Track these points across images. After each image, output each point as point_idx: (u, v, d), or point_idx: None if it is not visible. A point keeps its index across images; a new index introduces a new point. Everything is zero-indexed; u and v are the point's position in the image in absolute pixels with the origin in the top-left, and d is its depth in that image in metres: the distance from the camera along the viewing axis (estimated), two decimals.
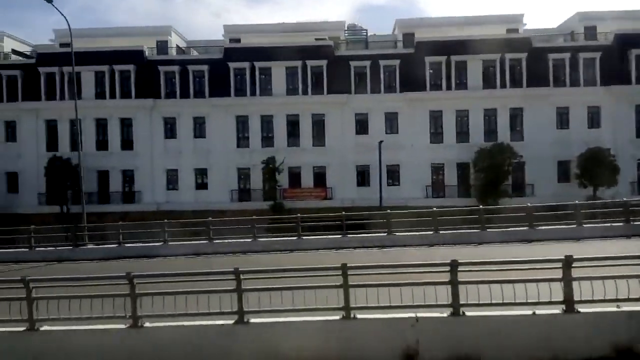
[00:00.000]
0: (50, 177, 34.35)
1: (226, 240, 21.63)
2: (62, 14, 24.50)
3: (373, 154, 34.68)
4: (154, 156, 36.41)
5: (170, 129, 36.78)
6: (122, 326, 8.86)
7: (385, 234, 20.80)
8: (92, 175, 36.27)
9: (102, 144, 36.68)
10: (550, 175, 34.72)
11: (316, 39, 38.80)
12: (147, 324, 8.87)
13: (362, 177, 35.87)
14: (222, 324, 8.79)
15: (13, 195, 36.44)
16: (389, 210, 21.49)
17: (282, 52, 35.76)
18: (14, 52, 41.99)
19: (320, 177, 36.05)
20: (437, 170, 35.39)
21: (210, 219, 22.30)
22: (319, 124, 36.14)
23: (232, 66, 35.85)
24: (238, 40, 39.83)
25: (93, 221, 33.37)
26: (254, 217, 22.04)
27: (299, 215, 21.66)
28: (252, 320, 8.82)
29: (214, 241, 21.42)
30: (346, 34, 41.32)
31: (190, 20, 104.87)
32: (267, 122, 36.31)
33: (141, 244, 21.65)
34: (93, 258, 21.07)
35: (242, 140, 36.45)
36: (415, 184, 35.04)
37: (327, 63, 35.54)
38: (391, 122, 35.71)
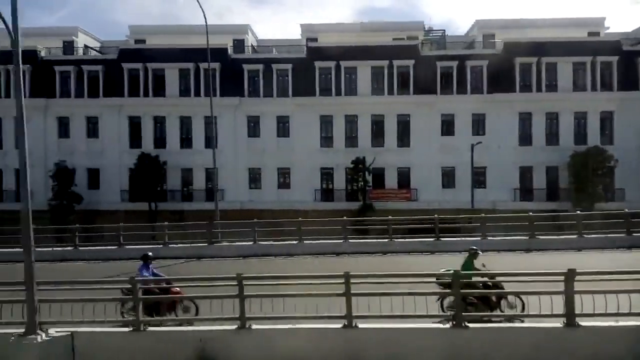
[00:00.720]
0: (139, 174, 34.29)
1: (362, 240, 21.50)
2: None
3: (459, 155, 34.58)
4: (237, 155, 36.29)
5: (253, 127, 36.67)
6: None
7: (528, 237, 20.48)
8: (176, 173, 36.33)
9: (186, 141, 36.60)
10: None
11: (394, 39, 38.66)
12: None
13: (447, 178, 35.56)
14: None
15: (94, 191, 36.36)
16: (524, 214, 21.15)
17: (368, 51, 35.61)
18: (86, 47, 42.08)
19: (404, 178, 35.78)
20: (525, 172, 34.99)
21: (344, 218, 22.06)
22: (404, 124, 35.87)
23: (317, 65, 35.71)
24: (315, 39, 39.61)
25: (176, 219, 33.55)
26: (389, 217, 21.82)
27: (436, 216, 21.36)
28: None
29: (349, 240, 21.24)
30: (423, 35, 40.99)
31: (194, 21, 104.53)
32: (351, 122, 36.12)
33: (277, 243, 21.47)
34: (228, 256, 20.95)
35: (326, 140, 36.26)
36: (502, 186, 34.68)
37: (414, 63, 35.31)
38: (478, 123, 35.39)
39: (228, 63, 36.51)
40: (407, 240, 21.33)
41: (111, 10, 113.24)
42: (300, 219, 22.43)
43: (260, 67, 36.27)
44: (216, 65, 36.12)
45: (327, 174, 36.24)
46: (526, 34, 36.88)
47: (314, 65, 35.95)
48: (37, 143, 36.53)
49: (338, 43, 36.49)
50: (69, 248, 22.67)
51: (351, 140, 36.08)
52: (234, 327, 8.98)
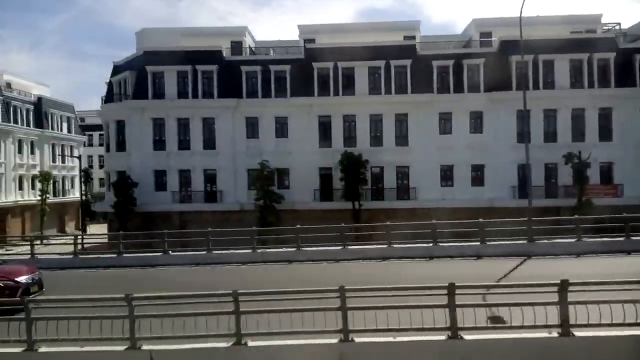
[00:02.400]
0: (343, 172, 33.86)
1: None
2: None
3: None
4: (428, 152, 35.68)
5: (444, 124, 36.09)
6: None
7: None
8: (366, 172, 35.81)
9: (375, 139, 36.15)
10: None
11: (571, 32, 37.94)
12: None
13: None
14: None
15: (284, 191, 35.93)
16: None
17: (566, 45, 34.95)
18: (250, 48, 41.84)
19: (605, 173, 34.93)
20: None
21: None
22: (605, 117, 35.02)
23: (513, 59, 35.11)
24: (489, 34, 39.02)
25: (370, 218, 33.05)
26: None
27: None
28: None
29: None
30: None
31: (197, 23, 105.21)
32: (549, 117, 35.39)
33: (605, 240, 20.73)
34: (549, 254, 20.19)
35: (521, 135, 35.46)
36: None
37: (614, 56, 34.53)
38: None
39: (417, 60, 36.03)
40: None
41: (112, 14, 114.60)
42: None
43: (450, 63, 35.74)
44: (407, 63, 35.76)
45: (523, 170, 35.46)
46: None
47: (508, 60, 35.37)
48: (226, 143, 36.60)
49: (536, 37, 35.66)
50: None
51: (550, 135, 35.33)
52: None
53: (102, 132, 78.60)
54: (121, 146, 37.55)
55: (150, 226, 34.13)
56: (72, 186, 62.77)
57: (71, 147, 62.64)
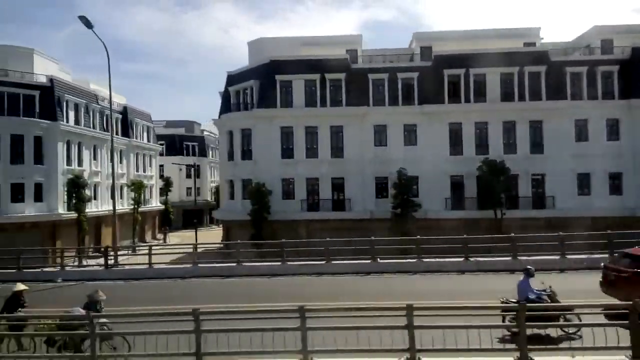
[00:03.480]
0: (483, 181, 33.40)
1: None
2: None
3: None
4: (564, 159, 34.98)
5: (579, 131, 35.42)
6: None
7: None
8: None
9: (509, 147, 35.52)
10: None
11: None
12: None
13: None
14: None
15: (413, 199, 35.48)
16: None
17: None
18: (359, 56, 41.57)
19: None
20: None
21: None
22: None
23: None
24: (610, 40, 38.38)
25: (506, 227, 32.32)
26: None
27: None
28: None
29: None
30: None
31: (200, 36, 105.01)
32: None
33: None
34: None
35: None
36: None
37: None
38: None
39: (550, 66, 35.50)
40: None
41: (115, 27, 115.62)
42: None
43: (584, 70, 35.13)
44: (542, 69, 35.23)
45: None
46: None
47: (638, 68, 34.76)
48: (354, 152, 36.31)
49: None
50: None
51: None
52: None
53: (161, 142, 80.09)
54: (246, 154, 37.41)
55: (279, 234, 33.86)
56: (151, 195, 63.00)
57: (150, 156, 62.94)
